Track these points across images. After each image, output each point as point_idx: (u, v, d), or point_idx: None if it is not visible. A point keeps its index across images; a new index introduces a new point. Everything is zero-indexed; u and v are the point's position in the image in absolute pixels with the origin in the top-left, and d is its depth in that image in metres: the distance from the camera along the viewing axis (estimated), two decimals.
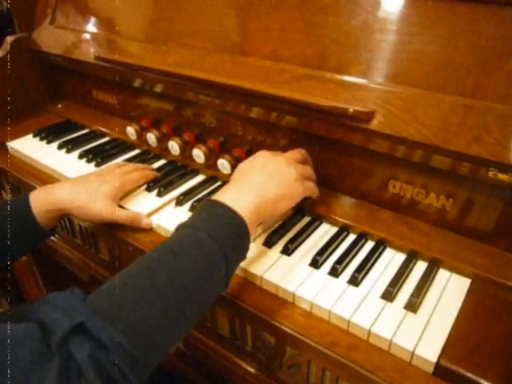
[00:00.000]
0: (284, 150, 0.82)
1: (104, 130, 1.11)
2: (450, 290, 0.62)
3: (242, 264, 0.66)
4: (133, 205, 0.82)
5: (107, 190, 0.77)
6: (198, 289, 0.53)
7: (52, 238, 1.04)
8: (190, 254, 0.54)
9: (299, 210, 0.78)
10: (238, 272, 0.67)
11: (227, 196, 0.61)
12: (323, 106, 0.68)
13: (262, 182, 0.64)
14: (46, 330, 0.43)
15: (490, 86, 0.59)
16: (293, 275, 0.64)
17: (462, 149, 0.58)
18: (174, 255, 0.54)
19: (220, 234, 0.56)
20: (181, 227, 0.58)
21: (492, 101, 0.58)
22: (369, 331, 0.56)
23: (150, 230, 0.78)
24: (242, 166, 0.70)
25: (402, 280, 0.63)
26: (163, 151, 0.98)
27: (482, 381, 0.49)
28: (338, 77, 0.70)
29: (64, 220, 0.95)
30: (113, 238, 0.81)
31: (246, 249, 0.61)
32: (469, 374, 0.50)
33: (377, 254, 0.68)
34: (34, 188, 0.96)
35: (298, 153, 0.74)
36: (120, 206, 0.80)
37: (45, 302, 0.48)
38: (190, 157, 0.90)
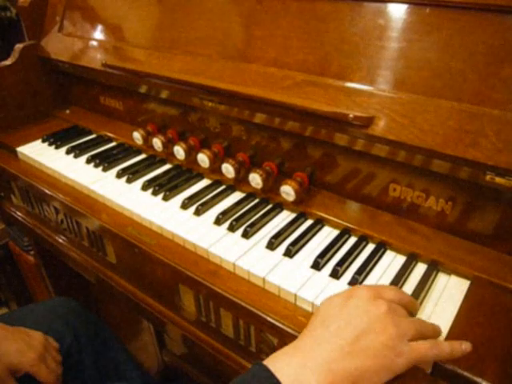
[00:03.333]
0: (287, 155, 0.84)
1: (111, 135, 1.14)
2: (449, 292, 0.63)
3: (245, 266, 0.68)
4: (137, 207, 0.84)
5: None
6: None
7: (60, 240, 1.06)
8: None
9: (301, 213, 0.80)
10: (240, 274, 0.69)
11: (290, 367, 0.46)
12: (324, 111, 0.69)
13: (336, 349, 0.46)
14: None
15: (487, 92, 0.60)
16: (295, 277, 0.66)
17: (460, 153, 0.60)
18: None
19: None
20: None
21: (489, 106, 0.59)
22: None
23: (155, 233, 0.80)
24: (328, 301, 0.52)
25: (401, 282, 0.64)
26: (169, 156, 1.00)
27: (479, 380, 0.50)
28: (339, 83, 0.72)
29: (72, 222, 0.97)
30: (119, 240, 0.83)
31: None
32: (466, 374, 0.51)
33: (377, 256, 0.69)
34: (43, 192, 0.98)
35: (399, 293, 0.54)
36: None
37: None
38: (195, 161, 0.92)
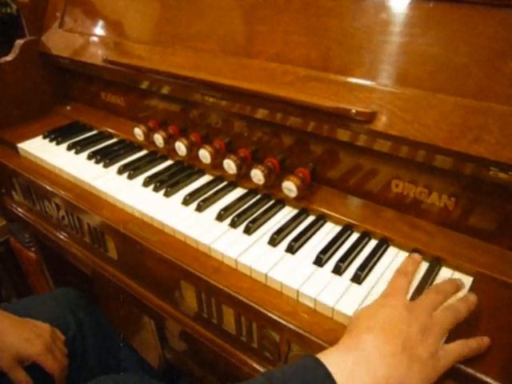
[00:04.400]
0: (289, 151, 0.84)
1: (112, 131, 1.13)
2: None
3: (247, 262, 0.68)
4: (139, 203, 0.84)
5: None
6: None
7: (61, 236, 1.06)
8: None
9: (303, 209, 0.80)
10: (242, 270, 0.69)
11: (340, 364, 0.47)
12: (326, 106, 0.69)
13: (388, 353, 0.47)
14: None
15: (491, 87, 0.60)
16: (297, 273, 0.66)
17: (463, 149, 0.59)
18: None
19: None
20: (267, 377, 0.47)
21: (492, 101, 0.59)
22: None
23: (156, 229, 0.80)
24: (366, 311, 0.54)
25: None
26: (170, 152, 1.00)
27: (483, 377, 0.50)
28: (342, 78, 0.71)
29: (73, 219, 0.97)
30: (121, 236, 0.83)
31: None
32: (469, 370, 0.51)
33: (380, 252, 0.69)
34: (44, 189, 0.98)
35: (435, 296, 0.56)
36: None
37: None
38: (197, 157, 0.91)
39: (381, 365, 0.47)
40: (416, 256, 0.66)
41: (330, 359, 0.47)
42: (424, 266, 0.66)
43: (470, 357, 0.51)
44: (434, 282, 0.64)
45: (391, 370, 0.47)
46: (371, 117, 0.66)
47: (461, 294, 0.59)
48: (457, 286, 0.60)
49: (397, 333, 0.49)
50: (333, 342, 0.57)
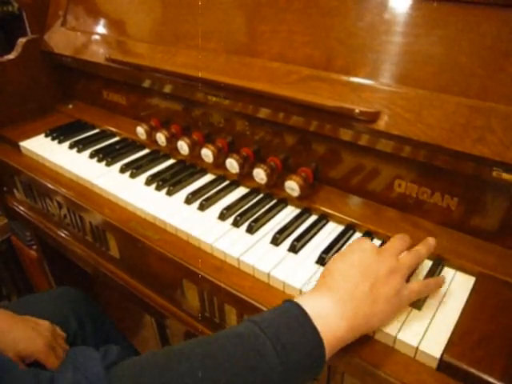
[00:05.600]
0: (292, 150, 0.84)
1: (114, 129, 1.13)
2: (455, 288, 0.63)
3: (249, 261, 0.68)
4: (141, 202, 0.84)
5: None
6: None
7: (62, 234, 1.06)
8: (245, 364, 0.47)
9: (306, 209, 0.80)
10: (245, 269, 0.69)
11: (316, 305, 0.52)
12: (329, 106, 0.69)
13: (358, 294, 0.53)
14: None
15: (494, 87, 0.60)
16: (299, 272, 0.66)
17: (466, 149, 0.59)
18: (224, 352, 0.47)
19: (289, 356, 0.48)
20: (250, 323, 0.51)
21: (496, 101, 0.59)
22: None
23: (159, 228, 0.80)
24: (340, 255, 0.59)
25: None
26: (172, 151, 1.00)
27: (485, 376, 0.50)
28: (345, 78, 0.71)
29: (75, 217, 0.97)
30: (122, 235, 0.83)
31: (313, 377, 0.52)
32: (472, 370, 0.50)
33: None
34: (45, 187, 0.98)
35: (399, 242, 0.62)
36: None
37: (71, 356, 0.47)
38: (199, 156, 0.91)
39: (351, 304, 0.52)
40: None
41: (307, 302, 0.52)
42: (426, 265, 0.66)
43: (431, 293, 0.60)
44: None
45: (359, 307, 0.52)
46: (374, 116, 0.66)
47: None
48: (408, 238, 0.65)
49: (367, 273, 0.55)
50: None
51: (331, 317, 0.51)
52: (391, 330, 0.56)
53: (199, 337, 0.51)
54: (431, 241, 0.64)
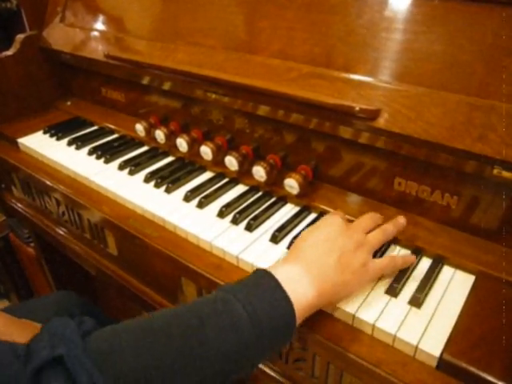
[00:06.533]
0: (291, 148, 0.83)
1: (113, 127, 1.13)
2: (454, 287, 0.63)
3: (248, 259, 0.68)
4: (140, 199, 0.83)
5: None
6: (213, 362, 0.47)
7: (60, 232, 1.06)
8: (217, 324, 0.48)
9: (305, 207, 0.80)
10: (244, 267, 0.69)
11: (286, 272, 0.54)
12: (330, 103, 0.69)
13: (327, 264, 0.56)
14: (29, 354, 0.42)
15: (495, 85, 0.59)
16: None
17: (467, 147, 0.59)
18: (200, 319, 0.48)
19: (260, 317, 0.49)
20: (222, 291, 0.52)
21: (497, 99, 0.58)
22: (373, 326, 0.57)
23: (157, 225, 0.79)
24: (310, 229, 0.62)
25: (406, 276, 0.63)
26: (171, 148, 0.99)
27: (484, 375, 0.50)
28: (345, 75, 0.71)
29: (73, 214, 0.96)
30: (121, 232, 0.82)
31: (286, 341, 0.55)
32: (472, 368, 0.50)
33: (382, 250, 0.69)
34: (44, 184, 0.97)
35: (369, 220, 0.65)
36: None
37: (47, 326, 0.47)
38: (198, 154, 0.91)
39: (319, 272, 0.55)
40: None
41: (278, 271, 0.54)
42: (426, 264, 0.66)
43: (397, 269, 0.63)
44: (437, 280, 0.64)
45: (327, 276, 0.55)
46: (375, 114, 0.66)
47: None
48: (382, 218, 0.68)
49: (334, 246, 0.58)
50: (334, 339, 0.57)
51: (300, 282, 0.54)
52: (390, 328, 0.56)
53: (176, 306, 0.52)
54: (401, 219, 0.68)
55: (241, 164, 0.85)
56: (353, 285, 0.58)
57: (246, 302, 0.50)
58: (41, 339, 0.45)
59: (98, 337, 0.47)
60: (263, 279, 0.53)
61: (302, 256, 0.57)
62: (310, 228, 0.62)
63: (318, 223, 0.63)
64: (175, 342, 0.46)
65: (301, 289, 0.53)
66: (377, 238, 0.63)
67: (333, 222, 0.62)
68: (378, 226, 0.66)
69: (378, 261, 0.61)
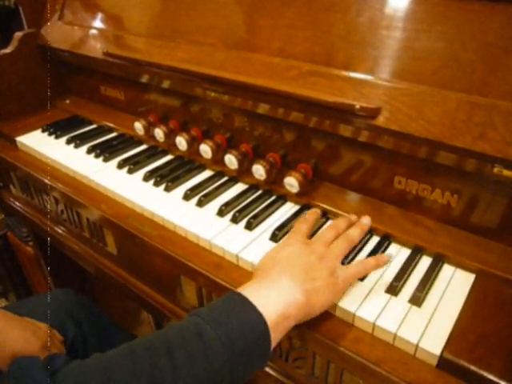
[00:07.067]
0: (291, 146, 0.83)
1: (111, 125, 1.12)
2: (455, 285, 0.63)
3: (249, 258, 0.67)
4: (139, 198, 0.83)
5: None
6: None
7: (59, 230, 1.05)
8: (186, 349, 0.47)
9: (305, 205, 0.79)
10: (244, 265, 0.68)
11: (253, 290, 0.54)
12: (330, 102, 0.68)
13: (293, 277, 0.56)
14: None
15: (496, 83, 0.59)
16: None
17: (468, 145, 0.59)
18: (167, 346, 0.47)
19: (231, 337, 0.48)
20: (191, 315, 0.52)
21: (498, 98, 0.58)
22: (373, 324, 0.56)
23: (157, 224, 0.79)
24: (271, 252, 0.62)
25: (406, 275, 0.63)
26: (170, 146, 0.99)
27: (485, 373, 0.50)
28: (345, 73, 0.71)
29: (72, 213, 0.96)
30: (120, 231, 0.82)
31: (264, 357, 0.52)
32: (472, 367, 0.50)
33: (382, 249, 0.69)
34: (42, 182, 0.97)
35: (329, 232, 0.65)
36: None
37: (13, 367, 0.47)
38: (197, 152, 0.91)
39: (288, 286, 0.54)
40: (315, 210, 0.74)
41: (245, 290, 0.54)
42: (426, 262, 0.66)
43: (369, 272, 0.63)
44: (437, 279, 0.64)
45: (298, 289, 0.54)
46: (375, 112, 0.65)
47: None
48: (349, 221, 0.69)
49: (299, 263, 0.58)
50: (334, 338, 0.57)
51: (269, 296, 0.53)
52: (391, 326, 0.56)
53: (145, 335, 0.51)
54: (365, 220, 0.69)
55: (240, 162, 0.85)
56: (326, 294, 0.57)
57: (212, 321, 0.49)
58: (8, 378, 0.45)
59: (65, 375, 0.46)
60: (231, 298, 0.53)
61: (266, 274, 0.57)
62: (272, 249, 0.62)
63: (279, 244, 0.63)
64: (144, 372, 0.45)
65: (270, 302, 0.52)
66: (340, 245, 0.63)
67: (294, 241, 0.62)
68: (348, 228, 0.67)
69: (348, 267, 0.61)
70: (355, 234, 0.66)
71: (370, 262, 0.63)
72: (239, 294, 0.52)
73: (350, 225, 0.68)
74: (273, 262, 0.59)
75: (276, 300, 0.52)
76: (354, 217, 0.71)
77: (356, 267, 0.61)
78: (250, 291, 0.53)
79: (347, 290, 0.61)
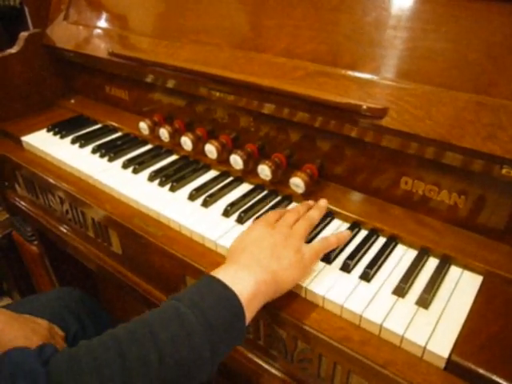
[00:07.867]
0: (297, 146, 0.83)
1: (116, 125, 1.12)
2: (462, 287, 0.62)
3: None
4: (144, 198, 0.83)
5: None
6: (171, 371, 0.48)
7: (64, 230, 1.05)
8: (167, 330, 0.50)
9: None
10: None
11: (225, 273, 0.57)
12: (336, 102, 0.68)
13: (261, 258, 0.60)
14: None
15: (504, 84, 0.59)
16: None
17: (476, 146, 0.58)
18: (150, 329, 0.50)
19: (208, 316, 0.51)
20: (169, 299, 0.55)
21: (506, 98, 0.58)
22: (380, 326, 0.56)
23: (162, 224, 0.79)
24: (238, 239, 0.66)
25: (413, 276, 0.63)
26: (175, 146, 0.99)
27: (493, 376, 0.49)
28: (352, 73, 0.70)
29: (77, 213, 0.96)
30: (125, 231, 0.82)
31: (240, 332, 0.55)
32: (480, 370, 0.50)
33: (388, 250, 0.68)
34: (47, 182, 0.97)
35: (290, 214, 0.69)
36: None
37: (7, 357, 0.48)
38: (202, 152, 0.90)
39: (257, 266, 0.59)
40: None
41: (220, 273, 0.57)
42: (433, 264, 0.66)
43: (332, 248, 0.67)
44: (444, 280, 0.63)
45: (265, 267, 0.59)
46: (382, 113, 0.65)
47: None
48: (308, 205, 0.74)
49: (264, 244, 0.62)
50: (341, 340, 0.57)
51: (239, 276, 0.57)
52: (398, 328, 0.55)
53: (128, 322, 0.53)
54: (322, 203, 0.75)
55: (246, 162, 0.84)
56: (293, 271, 0.61)
57: (188, 301, 0.52)
58: (0, 371, 0.45)
59: (57, 361, 0.48)
60: (204, 281, 0.56)
61: (236, 258, 0.61)
62: (239, 234, 0.67)
63: (246, 229, 0.67)
64: (131, 353, 0.47)
65: (241, 282, 0.56)
66: (302, 226, 0.67)
67: (259, 226, 0.66)
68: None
69: (310, 244, 0.65)
70: (315, 214, 0.71)
71: (332, 238, 0.67)
72: (213, 277, 0.56)
73: (309, 209, 0.73)
74: (242, 247, 0.63)
75: (247, 280, 0.56)
76: (311, 202, 0.76)
77: (319, 244, 0.66)
78: (223, 274, 0.57)
79: (353, 292, 0.61)
